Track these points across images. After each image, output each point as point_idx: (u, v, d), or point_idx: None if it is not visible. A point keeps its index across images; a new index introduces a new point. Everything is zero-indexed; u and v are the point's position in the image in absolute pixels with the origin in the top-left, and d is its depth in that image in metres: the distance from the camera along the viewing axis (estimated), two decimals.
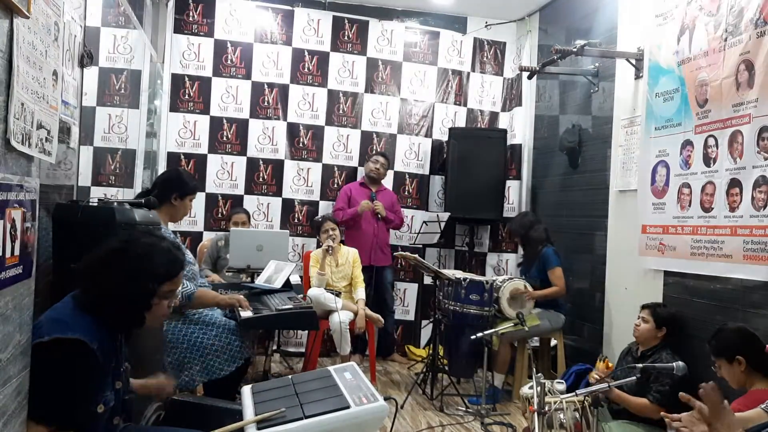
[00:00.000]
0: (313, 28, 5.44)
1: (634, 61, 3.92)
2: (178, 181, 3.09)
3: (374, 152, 5.40)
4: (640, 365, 2.81)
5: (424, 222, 4.99)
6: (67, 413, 1.50)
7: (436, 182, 5.72)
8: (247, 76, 5.30)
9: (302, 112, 5.42)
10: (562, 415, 2.79)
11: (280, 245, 4.23)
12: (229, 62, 5.27)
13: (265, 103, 5.34)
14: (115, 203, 2.30)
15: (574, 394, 2.82)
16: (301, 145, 5.43)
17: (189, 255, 3.18)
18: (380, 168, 5.20)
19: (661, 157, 3.58)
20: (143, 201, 2.55)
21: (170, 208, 3.03)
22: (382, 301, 5.22)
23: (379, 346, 5.20)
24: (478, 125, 5.78)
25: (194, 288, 2.91)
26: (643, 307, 3.31)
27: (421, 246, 5.39)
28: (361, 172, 5.49)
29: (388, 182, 5.50)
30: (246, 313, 3.02)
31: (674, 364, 2.76)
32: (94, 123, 4.45)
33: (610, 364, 3.16)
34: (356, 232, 5.17)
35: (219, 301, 3.03)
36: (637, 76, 3.91)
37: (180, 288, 2.82)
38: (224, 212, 5.24)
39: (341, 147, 5.51)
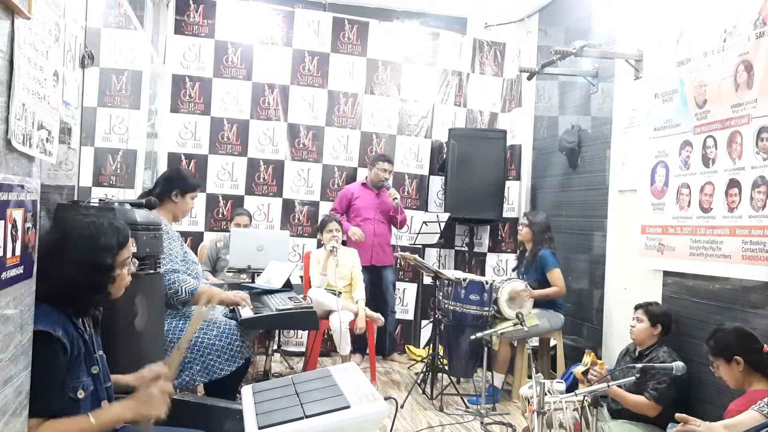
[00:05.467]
0: (314, 29, 5.45)
1: (633, 62, 3.93)
2: (179, 177, 3.15)
3: (376, 157, 5.22)
4: (639, 365, 2.82)
5: (424, 222, 4.99)
6: (43, 403, 1.51)
7: (436, 183, 5.73)
8: (248, 77, 5.31)
9: (302, 113, 5.43)
10: (561, 415, 2.79)
11: (281, 245, 4.23)
12: (229, 63, 5.28)
13: (266, 104, 5.35)
14: (116, 204, 2.31)
15: (573, 393, 2.82)
16: (301, 145, 5.44)
17: (192, 254, 3.20)
18: (388, 174, 5.16)
19: (660, 158, 3.59)
20: (144, 201, 2.56)
21: (172, 205, 3.08)
22: (382, 301, 5.22)
23: (379, 346, 5.20)
24: (478, 126, 5.79)
25: (197, 285, 2.92)
26: (637, 307, 3.33)
27: (420, 246, 5.39)
28: (361, 173, 5.50)
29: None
30: (246, 313, 3.04)
31: (673, 364, 2.76)
32: (95, 123, 4.46)
33: (599, 362, 3.17)
34: None
35: (222, 299, 3.05)
36: (637, 77, 3.92)
37: (184, 285, 2.85)
38: (225, 213, 5.25)
39: (341, 148, 5.52)
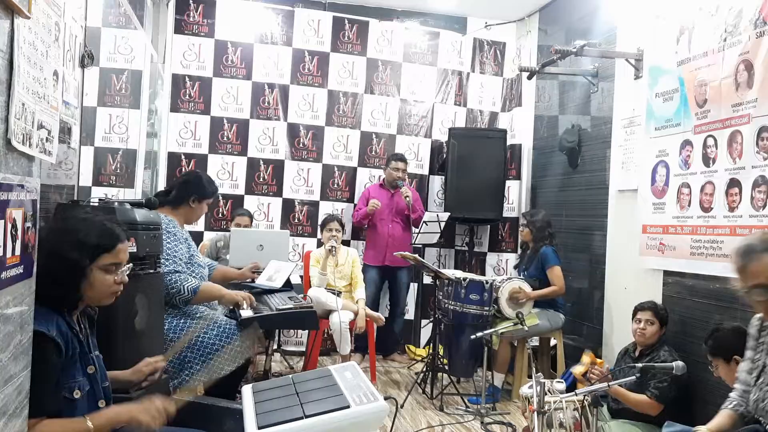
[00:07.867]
0: (314, 29, 5.45)
1: (633, 62, 3.92)
2: (198, 184, 3.16)
3: (389, 156, 5.27)
4: (640, 365, 2.82)
5: (424, 222, 4.99)
6: (39, 403, 1.51)
7: (436, 182, 5.73)
8: (248, 77, 5.31)
9: (302, 112, 5.43)
10: (561, 415, 2.79)
11: (281, 245, 4.23)
12: (229, 63, 5.28)
13: (266, 104, 5.35)
14: (116, 203, 2.31)
15: (573, 393, 2.82)
16: (301, 145, 5.44)
17: (201, 258, 3.20)
18: (402, 173, 5.17)
19: (660, 157, 3.59)
20: (144, 201, 2.56)
21: (187, 209, 3.11)
22: (394, 302, 5.24)
23: (381, 345, 5.20)
24: (478, 125, 5.79)
25: (199, 282, 2.93)
26: (642, 309, 3.27)
27: (420, 246, 5.39)
28: (361, 172, 5.50)
29: None
30: (246, 313, 3.03)
31: (674, 363, 2.76)
32: (95, 123, 4.45)
33: (599, 360, 3.16)
34: (371, 232, 5.22)
35: (224, 294, 3.05)
36: (637, 77, 3.92)
37: (186, 284, 2.84)
38: (225, 212, 5.25)
39: (341, 147, 5.52)
